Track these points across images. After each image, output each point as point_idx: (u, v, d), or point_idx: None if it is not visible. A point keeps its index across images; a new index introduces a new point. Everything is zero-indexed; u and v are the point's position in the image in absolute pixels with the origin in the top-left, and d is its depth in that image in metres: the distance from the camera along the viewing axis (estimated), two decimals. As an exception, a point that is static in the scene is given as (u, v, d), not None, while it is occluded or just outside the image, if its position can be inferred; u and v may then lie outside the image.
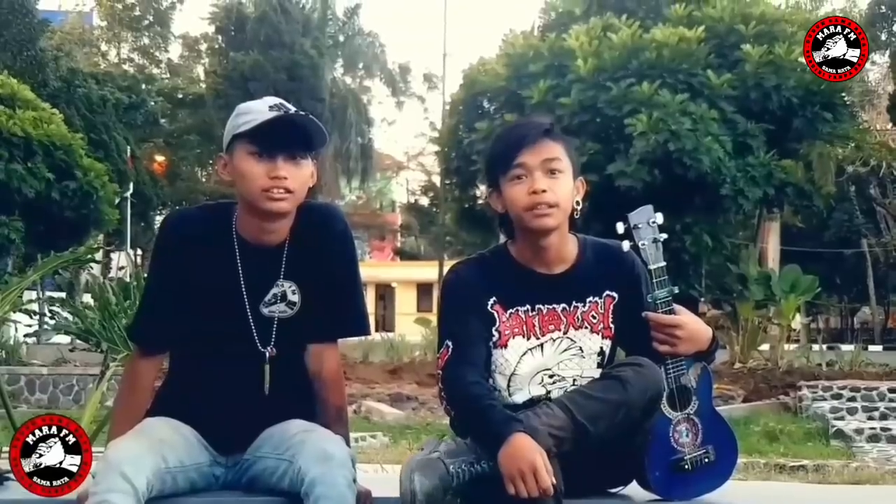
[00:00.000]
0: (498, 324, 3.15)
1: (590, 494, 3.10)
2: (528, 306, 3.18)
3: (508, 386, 3.16)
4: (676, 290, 3.16)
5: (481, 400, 3.00)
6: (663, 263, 3.15)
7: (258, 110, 3.04)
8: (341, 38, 47.55)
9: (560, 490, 2.86)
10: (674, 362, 3.13)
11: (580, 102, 18.99)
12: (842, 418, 13.59)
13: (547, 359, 3.17)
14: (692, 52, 19.19)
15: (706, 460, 3.16)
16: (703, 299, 20.73)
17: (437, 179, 39.48)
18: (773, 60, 19.10)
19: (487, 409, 2.96)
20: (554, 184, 3.10)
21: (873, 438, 12.61)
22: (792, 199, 20.95)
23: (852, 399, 14.27)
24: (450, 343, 3.11)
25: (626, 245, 3.16)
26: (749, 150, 19.10)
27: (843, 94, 20.86)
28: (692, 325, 3.13)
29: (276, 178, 3.00)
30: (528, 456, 2.82)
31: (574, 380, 3.16)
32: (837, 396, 14.34)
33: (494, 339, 3.15)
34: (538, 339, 3.17)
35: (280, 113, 3.03)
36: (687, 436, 3.16)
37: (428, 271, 43.35)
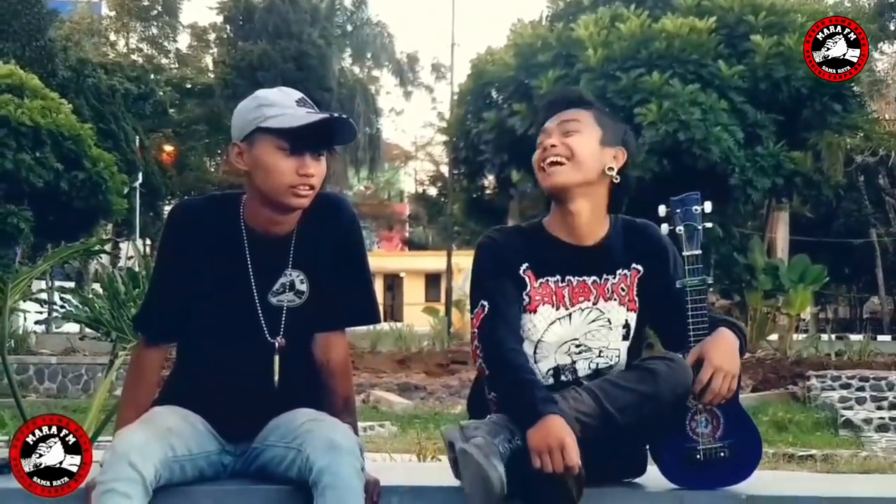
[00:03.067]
0: (529, 289, 3.15)
1: (605, 483, 3.09)
2: (558, 276, 3.17)
3: (535, 352, 3.15)
4: (711, 281, 3.14)
5: (521, 372, 2.98)
6: (698, 252, 3.14)
7: (285, 104, 3.01)
8: (349, 28, 47.56)
9: (582, 476, 2.85)
10: None
11: (589, 92, 18.96)
12: (850, 408, 13.59)
13: (575, 329, 3.16)
14: (702, 42, 19.16)
15: (721, 455, 3.11)
16: (711, 289, 20.74)
17: (445, 169, 39.48)
18: (782, 51, 19.08)
19: (526, 383, 2.94)
20: (567, 138, 3.12)
21: (882, 428, 12.61)
22: (801, 189, 20.95)
23: (861, 389, 14.27)
24: (485, 303, 3.10)
25: (663, 228, 3.18)
26: (758, 141, 19.09)
27: (852, 85, 20.82)
28: (719, 355, 3.06)
29: (304, 176, 3.00)
30: (558, 434, 2.82)
31: (600, 351, 3.16)
32: (846, 386, 14.34)
33: (525, 303, 3.15)
34: (567, 309, 3.16)
35: (309, 109, 3.02)
36: (706, 426, 3.11)
37: (436, 261, 43.29)
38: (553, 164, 3.11)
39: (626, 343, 3.20)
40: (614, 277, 3.19)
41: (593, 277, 3.19)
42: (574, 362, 3.16)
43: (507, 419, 2.95)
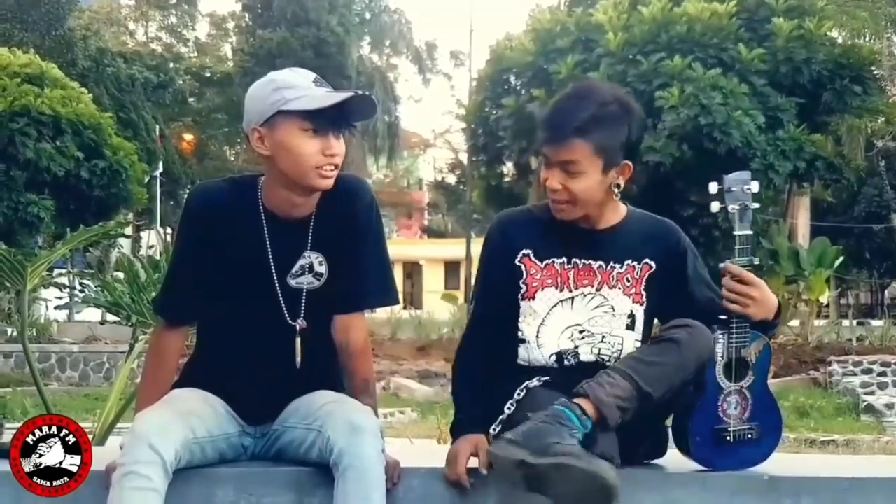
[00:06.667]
0: (525, 276, 3.16)
1: (626, 465, 3.07)
2: (564, 259, 3.17)
3: (537, 336, 3.15)
4: (757, 262, 3.13)
5: (463, 389, 3.26)
6: (749, 231, 3.12)
7: (303, 86, 3.00)
8: (368, 16, 47.46)
9: (617, 463, 2.82)
10: (738, 332, 3.09)
11: (609, 77, 18.92)
12: (872, 393, 13.57)
13: (577, 313, 3.16)
14: (723, 26, 19.11)
15: (749, 436, 3.13)
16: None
17: (464, 157, 39.42)
18: (803, 35, 19.01)
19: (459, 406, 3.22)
20: (569, 181, 3.06)
21: (903, 413, 12.58)
22: (822, 173, 20.85)
23: (882, 374, 14.24)
24: (479, 306, 3.26)
25: (714, 206, 3.15)
26: (779, 124, 19.03)
27: (873, 68, 20.76)
28: (766, 291, 3.10)
29: (330, 156, 2.99)
30: (454, 449, 3.06)
31: (602, 337, 3.16)
32: (867, 371, 14.31)
33: (522, 291, 3.16)
34: (570, 292, 3.16)
35: (327, 88, 3.02)
36: (735, 408, 3.12)
37: (455, 249, 43.32)
38: (557, 203, 3.11)
39: (632, 333, 3.17)
40: (621, 266, 3.18)
41: (599, 262, 3.17)
42: (577, 347, 3.15)
43: (554, 415, 2.83)
